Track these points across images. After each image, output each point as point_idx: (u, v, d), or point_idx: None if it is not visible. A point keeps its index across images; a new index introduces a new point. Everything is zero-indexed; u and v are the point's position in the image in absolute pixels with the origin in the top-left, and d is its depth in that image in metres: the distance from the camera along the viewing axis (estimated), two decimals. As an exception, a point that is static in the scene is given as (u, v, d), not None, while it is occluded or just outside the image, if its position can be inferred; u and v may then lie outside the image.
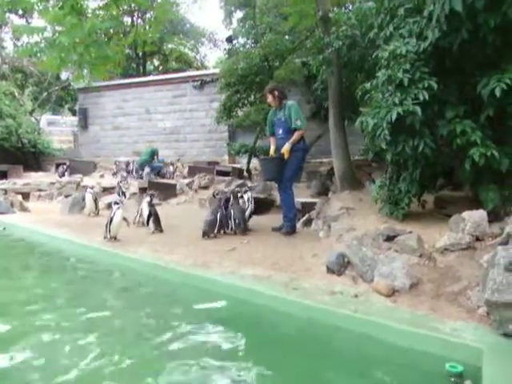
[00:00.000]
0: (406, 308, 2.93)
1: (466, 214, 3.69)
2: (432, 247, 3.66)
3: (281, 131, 5.29)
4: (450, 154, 4.25)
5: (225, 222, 5.31)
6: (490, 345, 2.39)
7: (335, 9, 9.25)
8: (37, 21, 18.19)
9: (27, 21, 18.44)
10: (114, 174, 12.44)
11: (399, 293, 3.13)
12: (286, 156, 5.05)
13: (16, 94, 17.60)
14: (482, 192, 4.06)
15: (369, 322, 2.79)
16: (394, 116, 3.87)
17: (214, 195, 6.12)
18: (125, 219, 5.21)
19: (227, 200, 5.53)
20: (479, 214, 3.65)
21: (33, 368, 2.45)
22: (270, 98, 5.38)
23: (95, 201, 7.38)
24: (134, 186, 9.61)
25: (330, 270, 3.67)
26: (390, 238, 3.88)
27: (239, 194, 5.59)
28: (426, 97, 3.85)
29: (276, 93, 5.31)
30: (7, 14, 15.58)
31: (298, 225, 5.50)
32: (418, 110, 3.84)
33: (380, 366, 2.46)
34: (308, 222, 5.59)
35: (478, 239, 3.57)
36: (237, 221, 5.28)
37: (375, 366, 2.45)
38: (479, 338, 2.46)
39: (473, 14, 3.73)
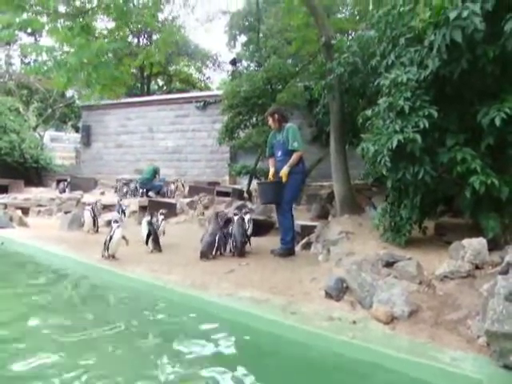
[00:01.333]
0: (405, 336, 2.90)
1: (465, 242, 3.68)
2: (431, 274, 3.64)
3: (280, 153, 5.34)
4: (451, 182, 4.27)
5: (223, 244, 5.29)
6: (489, 376, 2.35)
7: (338, 35, 9.45)
8: (45, 39, 18.53)
9: (36, 39, 18.82)
10: (117, 191, 12.37)
11: (398, 320, 3.10)
12: (284, 179, 5.09)
13: (21, 109, 17.77)
14: (483, 220, 4.06)
15: (366, 349, 2.76)
16: (395, 143, 3.91)
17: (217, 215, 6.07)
18: (124, 238, 5.19)
19: (227, 221, 5.52)
20: (479, 242, 3.64)
21: None
22: (270, 121, 5.47)
23: (94, 218, 7.37)
24: (134, 204, 9.62)
25: (328, 295, 3.64)
26: (389, 264, 3.86)
27: (238, 216, 5.57)
28: (427, 125, 3.89)
29: (276, 116, 5.39)
30: (17, 32, 15.89)
31: (297, 248, 5.48)
32: (418, 137, 3.88)
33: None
34: (307, 245, 5.57)
35: (477, 267, 3.56)
36: (236, 243, 5.25)
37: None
38: (479, 368, 2.43)
39: (472, 45, 3.81)
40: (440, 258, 3.95)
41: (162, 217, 6.08)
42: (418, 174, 4.05)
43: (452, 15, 3.67)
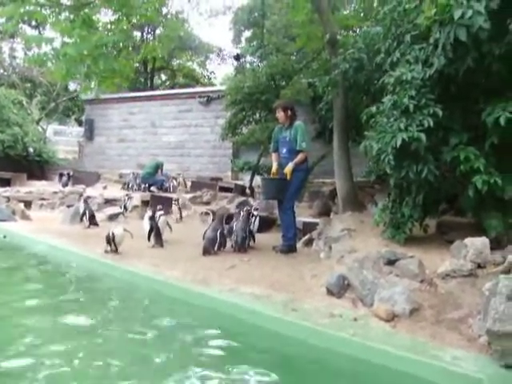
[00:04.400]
0: (406, 334, 2.90)
1: (468, 241, 3.68)
2: (433, 273, 3.63)
3: (284, 150, 5.29)
4: (454, 180, 4.26)
5: (224, 240, 5.30)
6: (490, 376, 2.35)
7: (343, 32, 9.40)
8: (49, 32, 18.48)
9: (40, 32, 18.78)
10: (125, 185, 12.25)
11: (399, 318, 3.10)
12: (288, 177, 5.05)
13: (24, 102, 17.77)
14: (485, 219, 4.05)
15: (367, 347, 2.76)
16: (399, 142, 3.89)
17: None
18: (126, 230, 5.19)
19: (229, 217, 5.52)
20: (481, 241, 3.63)
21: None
22: (281, 114, 5.28)
23: (84, 211, 7.14)
24: (136, 199, 9.61)
25: (329, 292, 3.65)
26: (391, 262, 3.85)
27: (245, 211, 5.56)
28: (431, 123, 3.88)
29: (289, 112, 5.25)
30: (20, 25, 15.89)
31: (299, 244, 5.48)
32: (423, 136, 3.86)
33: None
34: (309, 242, 5.57)
35: (479, 266, 3.55)
36: (237, 238, 5.26)
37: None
38: (480, 368, 2.43)
39: (478, 43, 3.78)
40: (442, 256, 3.94)
41: (160, 212, 5.99)
42: (421, 172, 4.03)
43: (456, 14, 3.64)
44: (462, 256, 3.61)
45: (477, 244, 3.61)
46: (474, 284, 3.36)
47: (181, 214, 8.02)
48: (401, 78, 4.11)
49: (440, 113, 3.93)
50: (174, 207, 8.11)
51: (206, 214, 5.84)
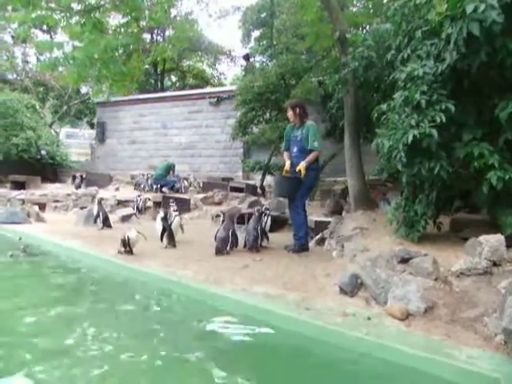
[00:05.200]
0: (420, 332, 2.87)
1: (483, 238, 3.62)
2: (448, 271, 3.59)
3: (295, 149, 5.29)
4: (467, 177, 4.20)
5: (235, 239, 5.31)
6: (507, 375, 2.31)
7: (352, 29, 9.34)
8: (60, 36, 18.72)
9: (51, 36, 19.03)
10: (136, 186, 12.36)
11: (413, 317, 3.07)
12: (303, 173, 5.01)
13: (37, 106, 18.02)
14: (500, 216, 3.99)
15: (381, 346, 2.74)
16: (410, 138, 3.85)
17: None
18: (140, 233, 5.24)
19: (240, 217, 5.54)
20: (497, 239, 3.57)
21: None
22: (290, 113, 5.30)
23: (98, 213, 7.25)
24: (148, 199, 9.68)
25: (342, 291, 3.63)
26: (404, 260, 3.82)
27: (258, 211, 5.58)
28: (443, 119, 3.83)
29: (298, 110, 5.26)
30: (32, 30, 16.10)
31: (311, 244, 5.47)
32: (435, 132, 3.81)
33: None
34: (321, 241, 5.55)
35: (495, 264, 3.49)
36: (249, 237, 5.27)
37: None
38: (496, 367, 2.39)
39: (491, 38, 3.72)
40: (456, 254, 3.89)
41: (175, 213, 6.04)
42: (433, 169, 3.98)
43: (469, 9, 3.59)
44: (477, 254, 3.56)
45: (492, 241, 3.55)
46: (489, 282, 3.31)
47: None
48: (412, 74, 4.06)
49: (452, 108, 3.87)
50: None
51: (217, 216, 5.85)
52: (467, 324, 2.90)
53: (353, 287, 3.60)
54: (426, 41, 4.26)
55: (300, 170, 5.01)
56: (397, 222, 4.69)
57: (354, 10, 10.67)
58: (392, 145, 4.08)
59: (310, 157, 5.07)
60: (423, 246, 4.25)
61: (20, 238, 6.59)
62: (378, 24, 5.87)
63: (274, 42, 16.38)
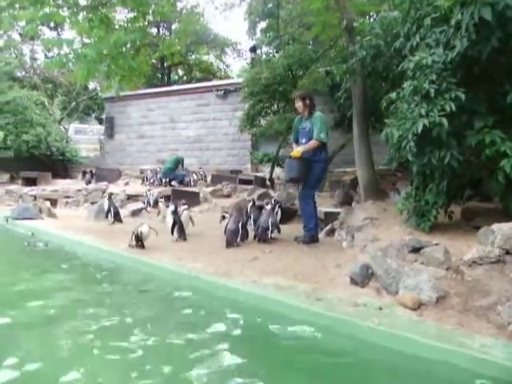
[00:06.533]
0: (433, 322, 2.87)
1: (495, 227, 3.59)
2: (459, 260, 3.57)
3: (304, 140, 5.26)
4: (479, 165, 4.15)
5: (246, 231, 5.33)
6: (521, 363, 2.31)
7: (359, 18, 9.23)
8: (67, 33, 18.80)
9: (58, 33, 19.10)
10: (145, 180, 12.44)
11: (425, 306, 3.07)
12: (294, 154, 5.02)
13: (46, 103, 18.16)
14: (513, 204, 3.94)
15: (394, 335, 2.74)
16: (420, 128, 3.81)
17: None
18: (151, 228, 5.29)
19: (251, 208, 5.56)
20: (510, 227, 3.53)
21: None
22: (299, 104, 5.27)
23: (109, 208, 7.30)
24: (157, 193, 9.72)
25: (353, 281, 3.63)
26: (415, 250, 3.80)
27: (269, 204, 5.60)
28: (453, 108, 3.77)
29: (307, 101, 5.23)
30: (40, 27, 16.17)
31: (321, 235, 5.46)
32: (445, 121, 3.76)
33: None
34: (331, 232, 5.54)
35: (508, 253, 3.46)
36: (259, 229, 5.29)
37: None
38: (509, 355, 2.39)
39: (503, 22, 3.66)
40: (468, 243, 3.86)
41: (184, 207, 6.06)
42: (444, 158, 3.94)
43: (480, -7, 3.53)
44: (490, 242, 3.53)
45: (504, 229, 3.52)
46: (502, 271, 3.29)
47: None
48: (421, 63, 4.01)
49: (462, 96, 3.82)
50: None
51: (223, 218, 5.90)
52: (480, 313, 2.89)
53: (363, 277, 3.60)
54: (435, 28, 4.20)
55: (295, 154, 5.00)
56: (407, 212, 4.67)
57: (361, -2, 10.52)
58: (401, 134, 4.04)
59: (310, 144, 5.05)
60: (434, 235, 4.22)
61: (32, 234, 6.68)
62: (386, 12, 5.78)
63: (281, 33, 16.26)
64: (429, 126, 3.80)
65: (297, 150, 5.07)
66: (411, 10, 4.65)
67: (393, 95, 4.40)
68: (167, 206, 6.59)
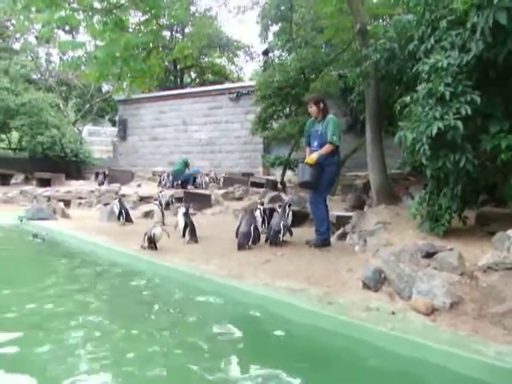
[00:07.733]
0: (447, 328, 2.83)
1: (511, 232, 3.54)
2: (474, 266, 3.52)
3: (316, 143, 5.24)
4: (494, 170, 4.10)
5: (258, 234, 5.33)
6: (538, 371, 2.26)
7: (373, 21, 9.21)
8: (82, 36, 19.07)
9: (73, 36, 19.37)
10: (161, 182, 12.54)
11: (439, 312, 3.03)
12: (309, 162, 4.99)
13: (61, 105, 18.43)
14: (529, 209, 3.88)
15: (407, 341, 2.71)
16: (435, 131, 3.77)
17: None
18: (164, 230, 5.32)
19: (265, 211, 5.56)
20: (526, 233, 3.49)
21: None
22: (313, 108, 5.24)
23: (121, 210, 7.36)
24: (169, 196, 9.78)
25: (366, 286, 3.60)
26: (428, 255, 3.76)
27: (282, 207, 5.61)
28: (469, 111, 3.73)
29: (321, 105, 5.20)
30: (55, 30, 16.42)
31: (333, 238, 5.43)
32: (460, 125, 3.73)
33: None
34: (343, 236, 5.51)
35: (524, 259, 3.41)
36: (271, 233, 5.28)
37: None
38: (526, 363, 2.34)
39: (519, 26, 3.62)
40: (482, 248, 3.82)
41: (183, 209, 6.00)
42: (459, 162, 3.90)
43: (495, -4, 3.49)
44: (505, 248, 3.48)
45: (521, 235, 3.47)
46: (517, 277, 3.23)
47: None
48: (436, 66, 3.98)
49: (478, 100, 3.78)
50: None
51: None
52: (495, 319, 2.84)
53: (376, 282, 3.57)
54: (450, 31, 4.16)
55: (310, 162, 4.97)
56: (421, 217, 4.62)
57: (375, 0, 10.49)
58: (415, 137, 4.01)
59: (324, 149, 5.02)
60: (448, 240, 4.18)
61: (46, 234, 6.76)
62: (400, 15, 5.76)
63: (293, 36, 16.26)
64: (444, 129, 3.77)
65: (311, 158, 5.02)
66: (426, 13, 4.62)
67: (407, 98, 4.37)
68: (162, 211, 7.04)
